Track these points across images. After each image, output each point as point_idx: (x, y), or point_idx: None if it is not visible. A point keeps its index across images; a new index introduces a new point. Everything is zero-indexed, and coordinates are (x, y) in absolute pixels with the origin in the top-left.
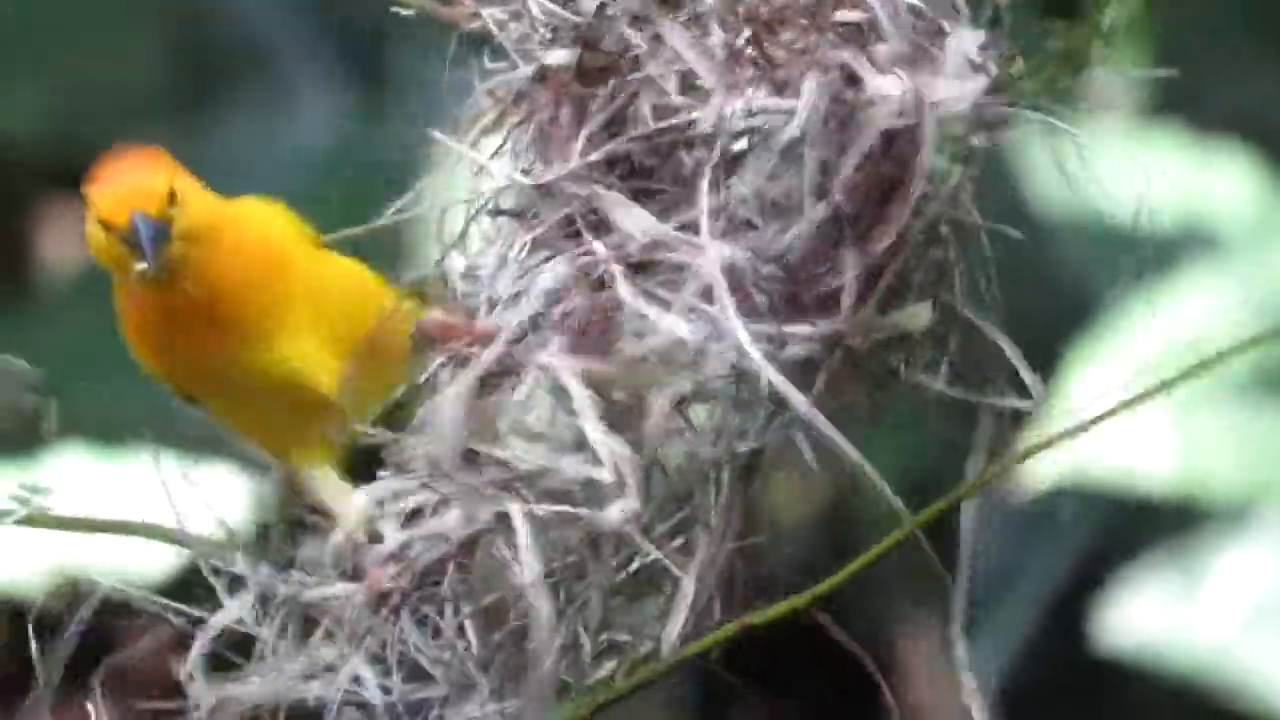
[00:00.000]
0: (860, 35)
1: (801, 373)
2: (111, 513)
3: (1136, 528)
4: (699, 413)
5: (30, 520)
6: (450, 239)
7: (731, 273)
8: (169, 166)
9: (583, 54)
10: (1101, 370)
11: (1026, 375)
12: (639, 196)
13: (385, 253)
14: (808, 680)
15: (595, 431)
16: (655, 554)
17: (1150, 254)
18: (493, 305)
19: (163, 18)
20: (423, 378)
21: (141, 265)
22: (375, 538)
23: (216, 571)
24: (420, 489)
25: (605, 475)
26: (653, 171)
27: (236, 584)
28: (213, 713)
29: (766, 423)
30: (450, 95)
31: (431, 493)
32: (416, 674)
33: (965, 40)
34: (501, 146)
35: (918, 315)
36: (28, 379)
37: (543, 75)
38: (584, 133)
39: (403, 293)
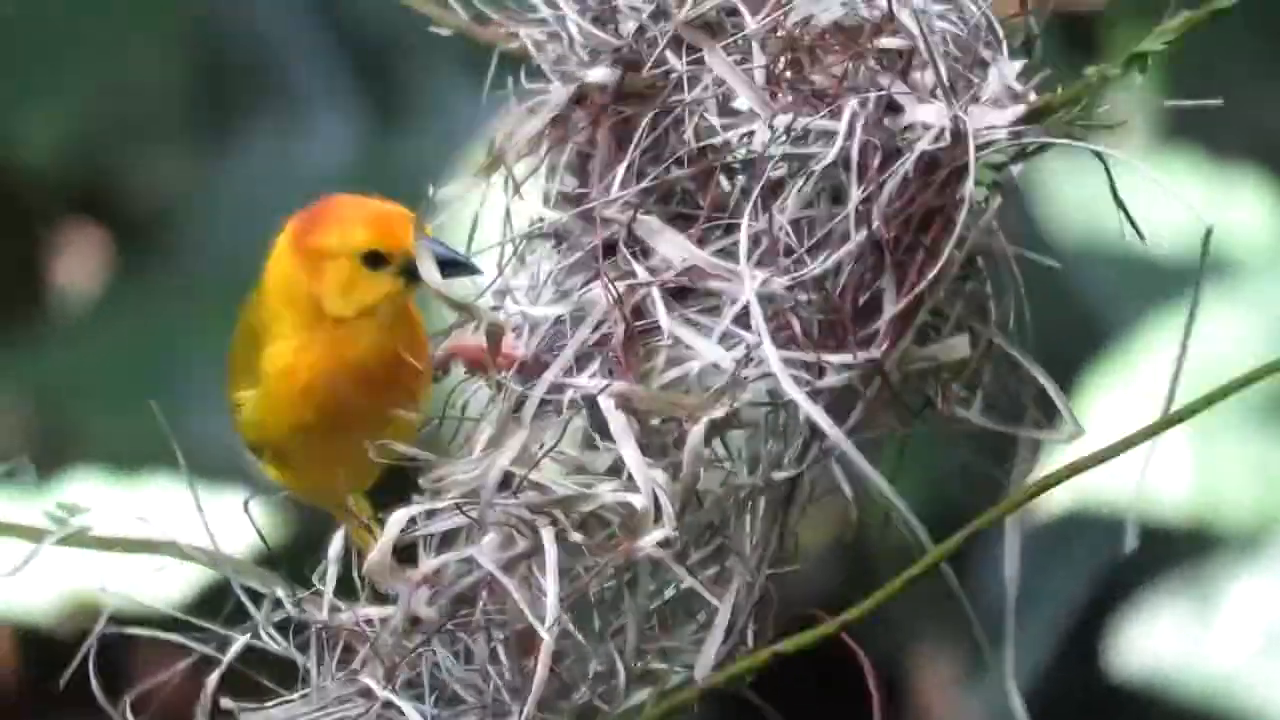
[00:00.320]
0: (901, 62)
1: (839, 402)
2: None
3: (1151, 554)
4: (736, 440)
5: (68, 540)
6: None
7: (770, 300)
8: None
9: (623, 76)
10: (1118, 396)
11: (1064, 409)
12: (677, 221)
13: None
14: (825, 703)
15: (633, 458)
16: (691, 582)
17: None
18: (530, 329)
19: (180, 40)
20: (460, 401)
21: (469, 275)
22: (409, 562)
23: (253, 595)
24: (455, 513)
25: (642, 502)
26: (692, 196)
27: (270, 607)
28: None
29: (803, 451)
30: (481, 115)
31: (466, 517)
32: (451, 699)
33: (1005, 68)
34: (538, 167)
35: (956, 347)
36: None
37: (581, 97)
38: (623, 156)
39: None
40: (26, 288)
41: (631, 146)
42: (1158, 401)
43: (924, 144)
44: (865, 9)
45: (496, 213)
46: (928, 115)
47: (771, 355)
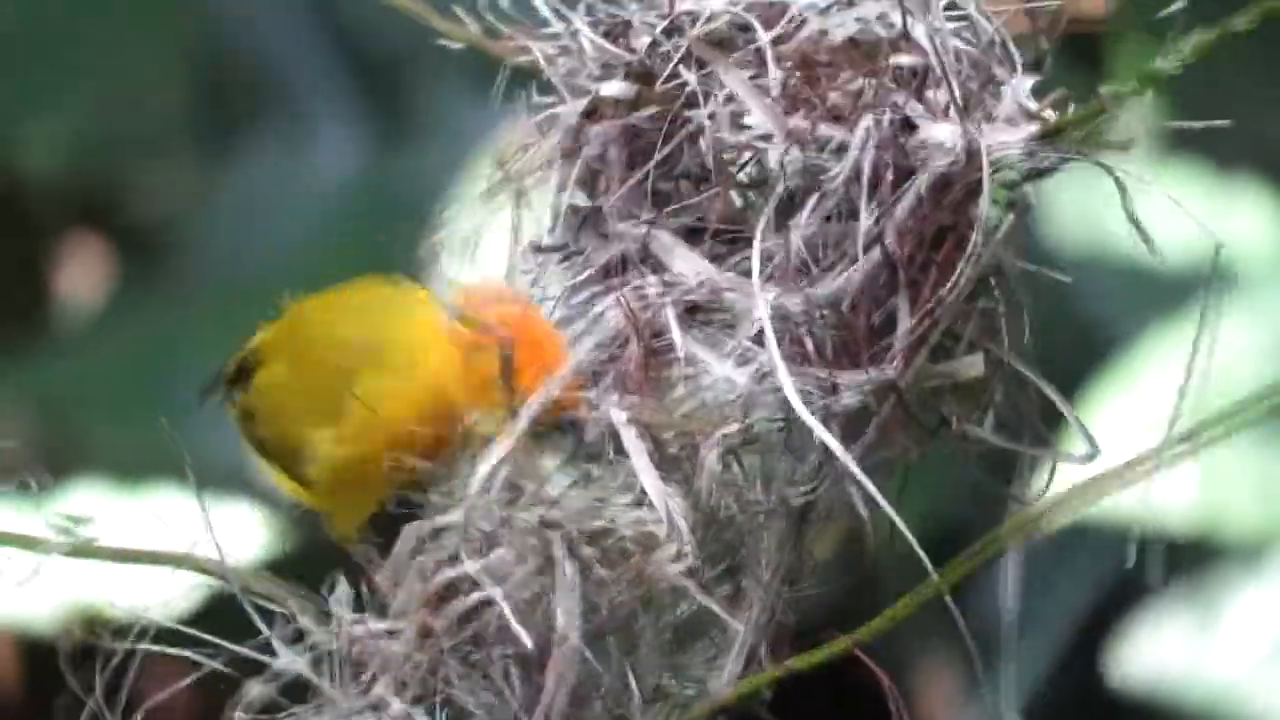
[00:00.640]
0: (915, 80)
1: (853, 421)
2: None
3: (1155, 565)
4: (752, 459)
5: (76, 552)
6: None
7: (783, 318)
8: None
9: (635, 91)
10: (1121, 410)
11: (1079, 429)
12: (690, 237)
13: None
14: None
15: (649, 477)
16: (708, 602)
17: (1169, 294)
18: None
19: (183, 51)
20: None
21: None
22: (420, 576)
23: (261, 609)
24: (467, 530)
25: (658, 521)
26: (705, 212)
27: (279, 621)
28: None
29: (818, 471)
30: (486, 128)
31: (478, 534)
32: (463, 715)
33: (1019, 87)
34: (549, 182)
35: (970, 364)
36: None
37: (592, 111)
38: (635, 171)
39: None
40: (29, 297)
41: (644, 162)
42: (1162, 415)
43: (938, 162)
44: (880, 26)
45: (505, 226)
46: (942, 134)
47: (782, 374)
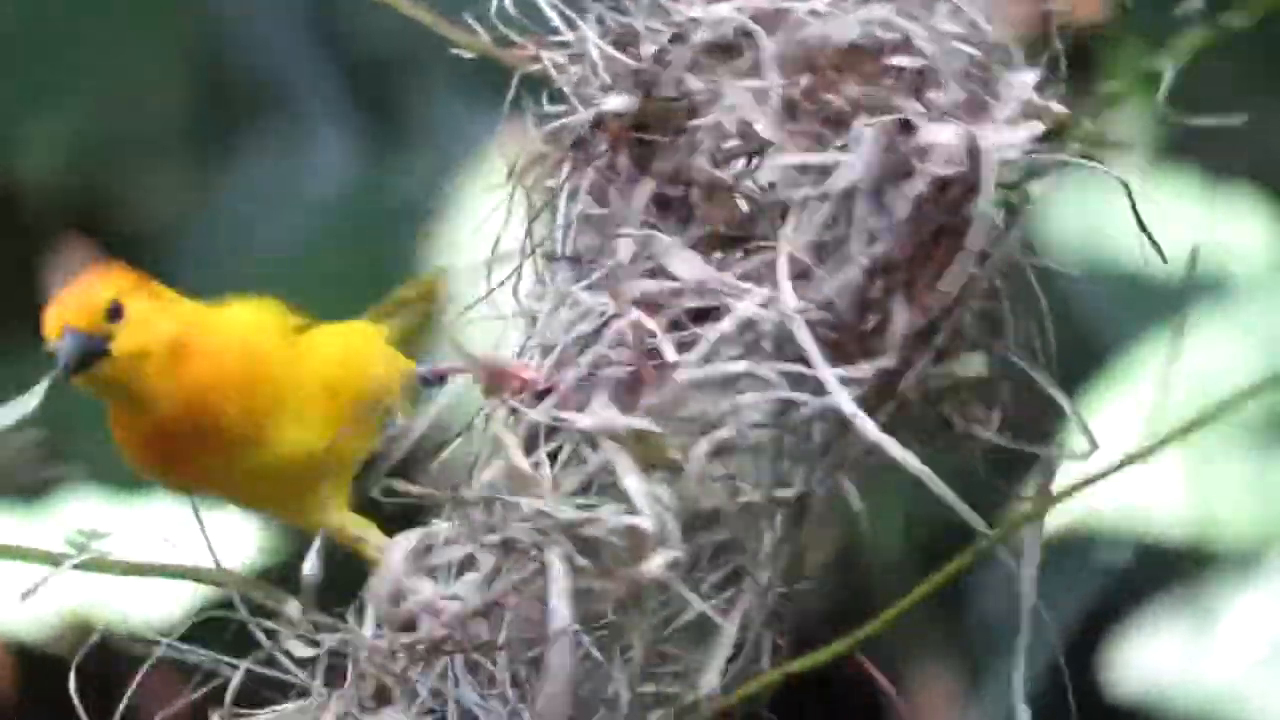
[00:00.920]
0: (915, 81)
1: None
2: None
3: (1149, 571)
4: (745, 460)
5: (88, 565)
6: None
7: (787, 320)
8: (119, 283)
9: (642, 101)
10: (1118, 414)
11: (1080, 426)
12: (696, 244)
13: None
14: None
15: (634, 481)
16: (696, 601)
17: (1163, 299)
18: (545, 352)
19: (180, 57)
20: (471, 422)
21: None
22: (418, 584)
23: (263, 614)
24: (463, 537)
25: (647, 524)
26: (708, 218)
27: (277, 629)
28: None
29: (811, 469)
30: (483, 135)
31: (474, 541)
32: None
33: (1020, 87)
34: (559, 190)
35: (972, 364)
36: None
37: (600, 120)
38: (643, 178)
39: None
40: (25, 302)
41: (651, 170)
42: (1158, 420)
43: (938, 164)
44: (881, 30)
45: (516, 233)
46: (942, 135)
47: (822, 367)
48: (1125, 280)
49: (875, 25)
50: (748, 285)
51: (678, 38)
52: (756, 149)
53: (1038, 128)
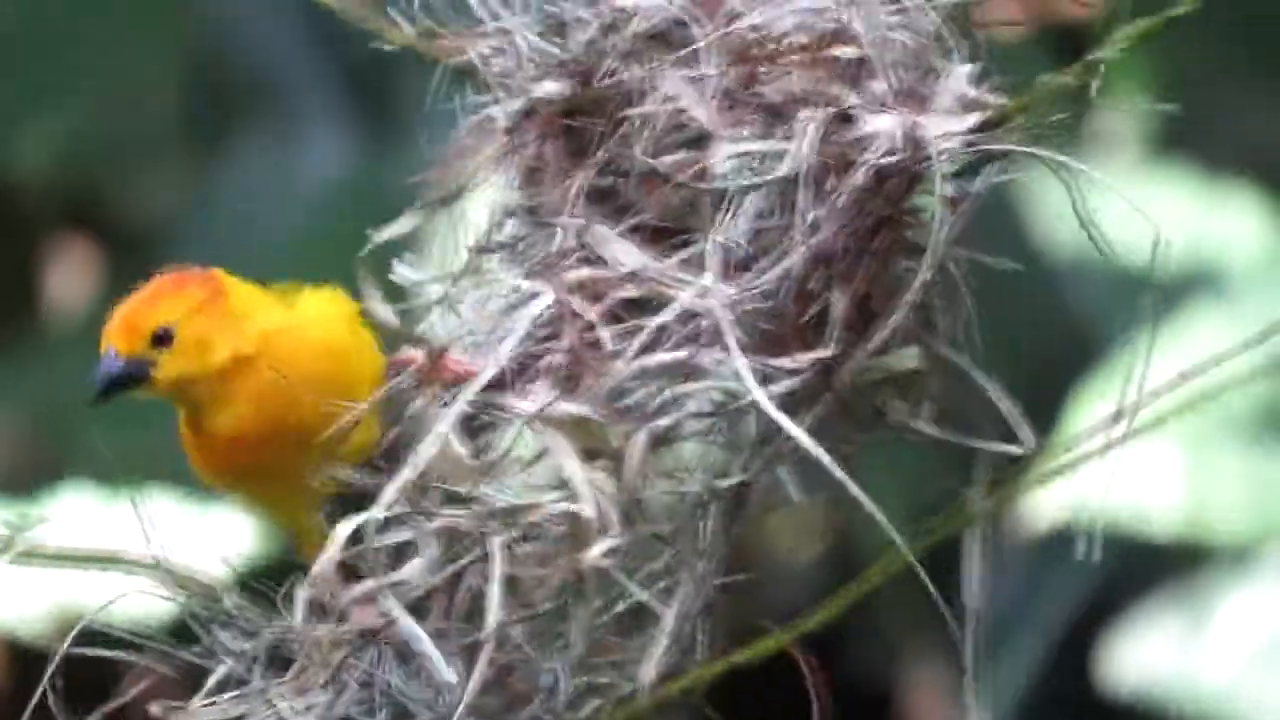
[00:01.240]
0: (853, 72)
1: (789, 413)
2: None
3: (1144, 567)
4: (685, 450)
5: (19, 557)
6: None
7: (724, 309)
8: (180, 304)
9: (573, 89)
10: (1108, 409)
11: (1014, 420)
12: (629, 233)
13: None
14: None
15: (575, 469)
16: (636, 592)
17: (1157, 292)
18: (479, 341)
19: (175, 55)
20: (407, 415)
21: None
22: (357, 575)
23: (207, 610)
24: (400, 526)
25: (586, 511)
26: (643, 207)
27: (225, 623)
28: None
29: (750, 460)
30: (447, 128)
31: (412, 530)
32: (401, 714)
33: (958, 77)
34: (491, 180)
35: (906, 357)
36: None
37: (531, 110)
38: (575, 168)
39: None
40: (20, 300)
41: (583, 160)
42: (1148, 413)
43: (876, 154)
44: (818, 19)
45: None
46: (881, 125)
47: (736, 359)
48: (1119, 273)
49: (812, 14)
50: (686, 275)
51: (609, 28)
52: (694, 138)
53: (978, 117)
